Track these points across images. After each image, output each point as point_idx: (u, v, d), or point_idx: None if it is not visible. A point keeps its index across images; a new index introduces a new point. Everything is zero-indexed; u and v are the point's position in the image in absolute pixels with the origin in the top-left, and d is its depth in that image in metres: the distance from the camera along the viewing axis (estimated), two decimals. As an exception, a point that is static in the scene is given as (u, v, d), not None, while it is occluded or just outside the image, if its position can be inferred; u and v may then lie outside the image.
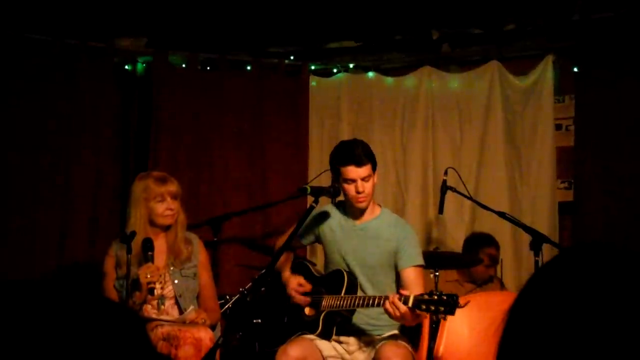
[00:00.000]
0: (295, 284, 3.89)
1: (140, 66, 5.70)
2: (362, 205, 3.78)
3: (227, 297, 4.47)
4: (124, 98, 5.60)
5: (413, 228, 4.01)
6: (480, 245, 5.05)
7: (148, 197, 3.91)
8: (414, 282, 3.69)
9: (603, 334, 0.87)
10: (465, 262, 4.96)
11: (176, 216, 3.96)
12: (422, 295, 3.32)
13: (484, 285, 4.99)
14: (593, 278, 0.91)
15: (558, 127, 5.49)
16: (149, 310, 3.86)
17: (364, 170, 3.71)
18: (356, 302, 3.65)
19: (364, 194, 3.73)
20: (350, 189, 3.73)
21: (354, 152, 3.76)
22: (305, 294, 3.89)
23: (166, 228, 3.98)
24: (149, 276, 3.68)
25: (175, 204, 3.95)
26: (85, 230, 5.31)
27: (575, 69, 5.42)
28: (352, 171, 3.71)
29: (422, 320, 3.64)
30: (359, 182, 3.72)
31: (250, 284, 4.43)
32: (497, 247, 5.09)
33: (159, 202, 3.91)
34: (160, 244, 3.92)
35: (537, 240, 4.03)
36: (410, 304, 3.33)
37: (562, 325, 0.89)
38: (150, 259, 3.75)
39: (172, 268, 3.93)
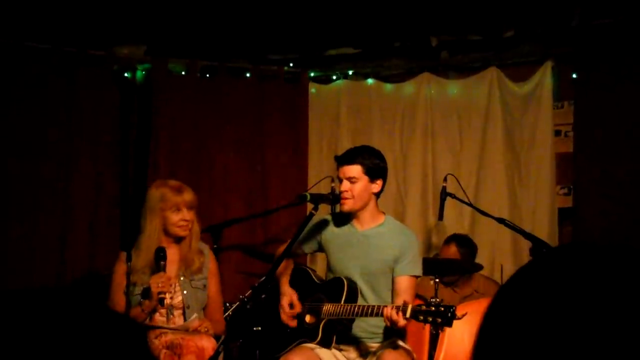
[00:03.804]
0: (286, 304, 3.86)
1: (139, 74, 5.70)
2: (344, 207, 3.75)
3: (227, 305, 4.45)
4: (123, 105, 5.60)
5: (416, 236, 4.00)
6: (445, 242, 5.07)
7: (164, 207, 3.86)
8: (404, 291, 3.69)
9: (576, 335, 0.86)
10: (466, 269, 4.96)
11: (190, 227, 3.91)
12: (419, 305, 3.32)
13: (484, 293, 4.96)
14: (570, 279, 0.91)
15: (557, 133, 5.50)
16: (158, 319, 3.83)
17: (349, 170, 3.71)
18: (355, 311, 3.63)
19: (347, 194, 3.71)
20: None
21: (346, 151, 3.79)
22: (305, 299, 3.88)
23: (180, 238, 3.93)
24: (160, 285, 3.66)
25: (191, 214, 3.90)
26: (85, 237, 5.31)
27: (574, 75, 5.42)
28: (340, 169, 3.75)
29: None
30: (344, 182, 3.72)
31: (250, 291, 4.42)
32: (459, 244, 5.00)
33: (174, 212, 3.86)
34: (172, 253, 3.86)
35: (537, 246, 4.02)
36: (408, 314, 3.33)
37: (535, 325, 0.89)
38: (163, 269, 3.71)
39: (182, 278, 3.89)
